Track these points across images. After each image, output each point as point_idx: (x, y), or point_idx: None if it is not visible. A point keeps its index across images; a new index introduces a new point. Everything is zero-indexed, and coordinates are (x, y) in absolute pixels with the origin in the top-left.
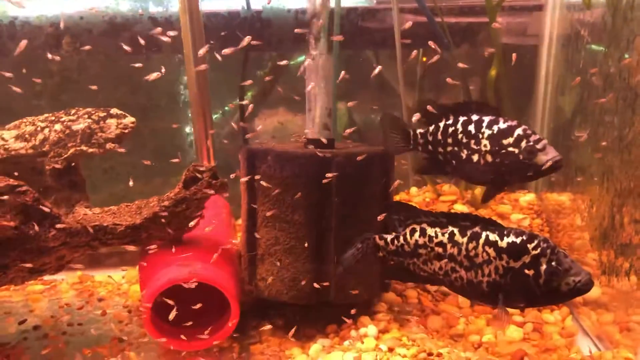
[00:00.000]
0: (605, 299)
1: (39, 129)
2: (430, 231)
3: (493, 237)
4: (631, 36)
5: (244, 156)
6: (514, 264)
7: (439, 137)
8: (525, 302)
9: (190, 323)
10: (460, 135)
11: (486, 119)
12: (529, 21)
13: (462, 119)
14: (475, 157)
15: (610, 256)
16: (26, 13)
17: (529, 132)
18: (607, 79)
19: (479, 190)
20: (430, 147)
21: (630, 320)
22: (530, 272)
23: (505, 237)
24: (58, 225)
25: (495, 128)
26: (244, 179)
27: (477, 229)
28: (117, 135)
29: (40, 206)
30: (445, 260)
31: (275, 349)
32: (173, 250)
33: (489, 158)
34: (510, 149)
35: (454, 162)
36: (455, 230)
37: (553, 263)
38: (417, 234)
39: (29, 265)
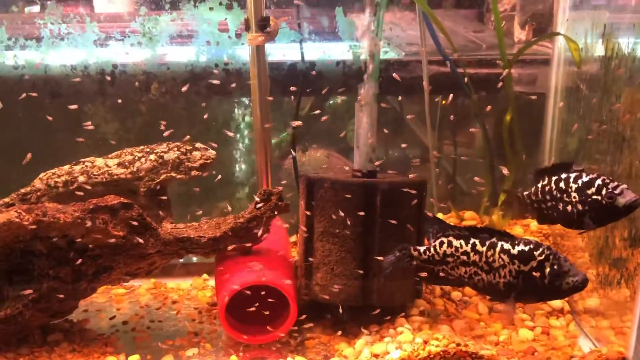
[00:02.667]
0: (603, 307)
1: (136, 157)
2: (456, 242)
3: (507, 246)
4: (619, 91)
5: (303, 183)
6: (524, 268)
7: (540, 196)
8: (534, 299)
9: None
10: (555, 192)
11: (572, 175)
12: (538, 73)
13: (554, 178)
14: (569, 208)
15: (605, 269)
16: (124, 61)
17: (607, 181)
18: (600, 125)
19: (495, 217)
20: (535, 205)
21: (624, 326)
22: (537, 274)
23: (516, 246)
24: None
25: (580, 182)
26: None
27: (493, 239)
28: (200, 165)
29: (143, 220)
30: (469, 266)
31: (326, 343)
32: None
33: (579, 207)
34: (594, 197)
35: (555, 214)
36: (477, 241)
37: (555, 266)
38: (445, 245)
39: (128, 268)
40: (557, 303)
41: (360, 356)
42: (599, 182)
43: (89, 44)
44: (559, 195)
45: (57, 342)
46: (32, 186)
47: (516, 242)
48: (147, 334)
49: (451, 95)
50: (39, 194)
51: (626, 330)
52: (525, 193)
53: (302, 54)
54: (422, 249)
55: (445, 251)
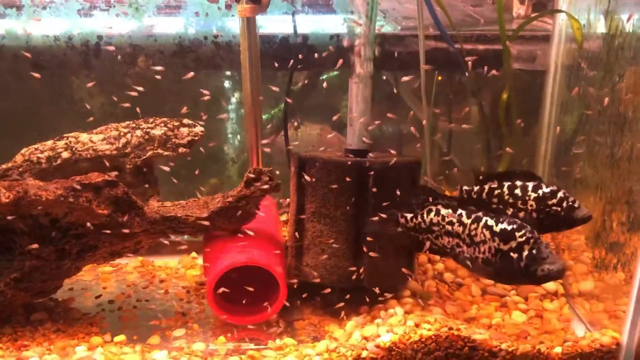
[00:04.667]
0: (597, 291)
1: (122, 133)
2: (444, 212)
3: (491, 222)
4: (621, 71)
5: (295, 162)
6: (503, 247)
7: (484, 197)
8: (508, 280)
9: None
10: (506, 197)
11: (530, 184)
12: (538, 49)
13: (507, 184)
14: (521, 214)
15: (602, 254)
16: (109, 32)
17: (567, 194)
18: (602, 105)
19: None
20: (476, 202)
21: (617, 309)
22: (514, 255)
23: (499, 224)
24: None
25: (540, 192)
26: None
27: (480, 213)
28: (188, 141)
29: (129, 198)
30: (452, 236)
31: (316, 325)
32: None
33: (534, 214)
34: (554, 207)
35: None
36: (463, 213)
37: (534, 251)
38: (432, 214)
39: (114, 247)
40: (551, 285)
41: (350, 338)
42: (561, 194)
43: (72, 13)
44: (511, 200)
45: (41, 321)
46: (13, 162)
47: (501, 220)
48: (134, 313)
49: (473, 65)
50: (21, 169)
51: (620, 314)
52: (466, 188)
53: (294, 26)
54: (409, 215)
55: (432, 219)
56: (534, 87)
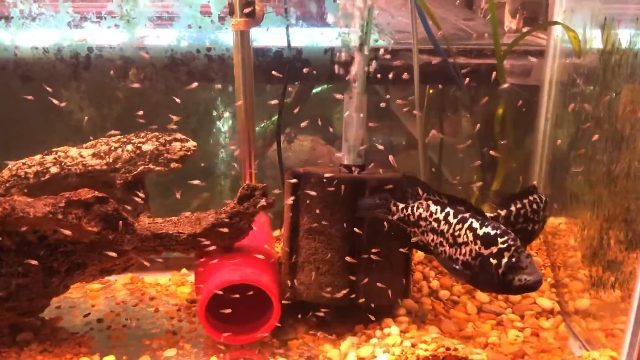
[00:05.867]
0: (594, 309)
1: (112, 148)
2: (433, 208)
3: (475, 224)
4: (618, 88)
5: (289, 177)
6: (484, 251)
7: (512, 219)
8: (485, 287)
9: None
10: (529, 214)
11: (535, 196)
12: (532, 64)
13: (526, 201)
14: (536, 227)
15: (599, 272)
16: (98, 43)
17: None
18: (597, 122)
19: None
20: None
21: (614, 327)
22: (494, 262)
23: (483, 227)
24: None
25: (544, 200)
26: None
27: (467, 214)
28: (180, 156)
29: (119, 215)
30: (437, 234)
31: (310, 344)
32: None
33: (539, 225)
34: (546, 213)
35: (520, 235)
36: (451, 212)
37: (513, 259)
38: (421, 208)
39: (103, 265)
40: (547, 303)
41: (345, 359)
42: (546, 199)
43: (62, 25)
44: (531, 216)
45: (27, 341)
46: (0, 177)
47: (486, 224)
48: (124, 332)
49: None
50: (7, 185)
51: (617, 332)
52: (503, 213)
53: (288, 40)
54: (400, 206)
55: (420, 214)
56: (529, 102)
